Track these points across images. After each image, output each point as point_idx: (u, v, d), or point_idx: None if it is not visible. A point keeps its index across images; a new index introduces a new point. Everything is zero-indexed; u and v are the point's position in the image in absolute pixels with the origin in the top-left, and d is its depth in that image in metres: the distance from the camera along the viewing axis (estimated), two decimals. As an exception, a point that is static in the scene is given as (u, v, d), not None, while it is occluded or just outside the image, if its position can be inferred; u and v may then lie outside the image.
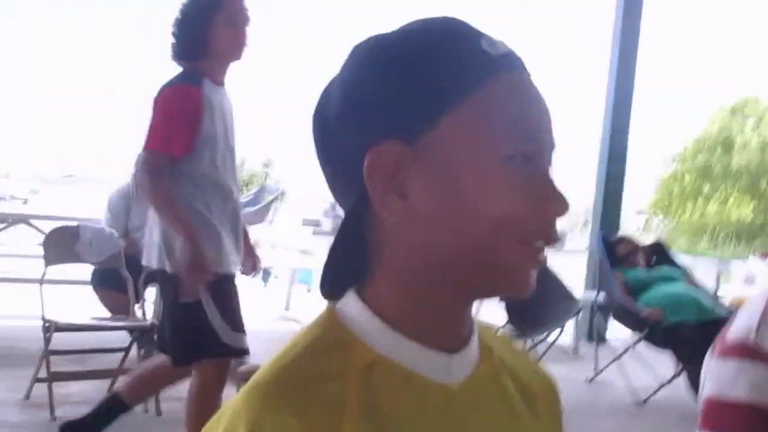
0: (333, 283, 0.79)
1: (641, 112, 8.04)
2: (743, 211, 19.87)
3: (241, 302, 3.09)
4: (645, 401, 5.43)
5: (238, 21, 2.87)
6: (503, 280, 0.74)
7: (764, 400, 1.02)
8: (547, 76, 0.77)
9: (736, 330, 1.10)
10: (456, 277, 0.74)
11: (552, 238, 0.74)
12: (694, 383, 5.16)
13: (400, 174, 0.72)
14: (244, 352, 2.98)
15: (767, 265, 7.74)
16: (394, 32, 0.77)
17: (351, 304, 0.78)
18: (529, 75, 0.76)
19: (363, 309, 0.77)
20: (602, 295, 6.05)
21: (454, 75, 0.72)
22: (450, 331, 0.78)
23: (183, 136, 2.80)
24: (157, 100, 2.84)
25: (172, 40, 2.90)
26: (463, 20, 0.77)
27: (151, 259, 2.94)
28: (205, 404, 2.88)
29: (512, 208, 0.71)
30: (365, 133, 0.73)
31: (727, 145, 20.60)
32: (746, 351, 1.06)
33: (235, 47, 2.89)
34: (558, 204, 0.73)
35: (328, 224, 6.73)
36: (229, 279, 2.96)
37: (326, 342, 0.75)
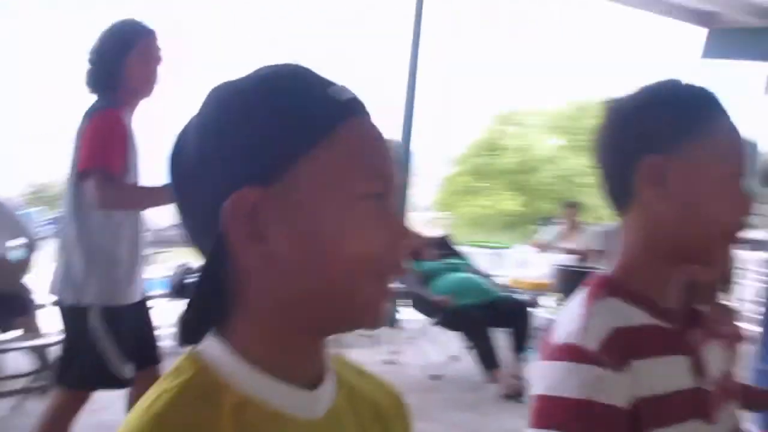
0: (194, 329, 0.75)
1: (428, 122, 8.39)
2: (512, 204, 21.19)
3: (150, 329, 2.96)
4: (439, 376, 5.68)
5: (150, 60, 2.80)
6: (360, 316, 0.73)
7: (593, 396, 1.03)
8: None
9: (561, 334, 1.10)
10: (316, 316, 0.73)
11: (402, 270, 0.74)
12: (482, 356, 5.49)
13: (259, 218, 0.70)
14: (128, 383, 2.82)
15: (537, 252, 8.28)
16: (247, 78, 0.75)
17: (214, 348, 0.74)
18: (371, 117, 0.76)
19: (226, 352, 0.73)
20: (400, 286, 6.26)
21: (306, 121, 0.71)
22: (310, 367, 0.77)
23: (118, 157, 2.69)
24: (88, 125, 2.70)
25: (88, 66, 2.79)
26: (309, 68, 0.76)
27: (55, 289, 2.79)
28: (53, 429, 2.73)
29: (368, 245, 0.71)
30: (223, 179, 0.70)
31: (496, 148, 21.93)
32: (573, 353, 1.07)
33: (145, 84, 2.82)
34: (408, 238, 0.74)
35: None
36: (126, 309, 2.80)
37: (194, 388, 0.71)
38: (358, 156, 0.72)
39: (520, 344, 5.81)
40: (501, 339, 5.70)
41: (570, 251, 7.88)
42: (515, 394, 5.44)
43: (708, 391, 1.14)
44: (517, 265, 8.15)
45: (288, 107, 0.71)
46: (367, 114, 0.75)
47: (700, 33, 9.38)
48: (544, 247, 8.25)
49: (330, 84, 0.74)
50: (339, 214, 0.70)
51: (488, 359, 5.46)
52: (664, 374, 1.08)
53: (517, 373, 5.65)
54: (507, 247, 8.83)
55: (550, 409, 1.05)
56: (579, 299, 1.14)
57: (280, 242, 0.70)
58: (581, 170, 21.43)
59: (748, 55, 9.78)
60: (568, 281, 7.02)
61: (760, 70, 9.47)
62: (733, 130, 1.14)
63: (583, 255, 7.82)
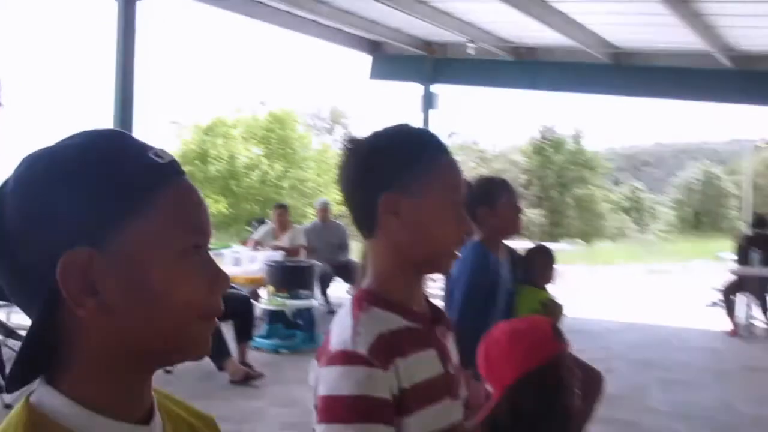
0: (23, 377, 0.72)
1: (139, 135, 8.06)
2: (221, 207, 21.08)
3: None
4: (170, 371, 5.59)
5: None
6: (189, 351, 0.75)
7: (366, 392, 1.13)
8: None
9: (335, 342, 1.18)
10: (149, 358, 0.74)
11: (221, 310, 0.76)
12: (212, 348, 5.51)
13: (92, 274, 0.69)
14: None
15: (251, 250, 8.39)
16: (65, 144, 0.73)
17: (48, 396, 0.71)
18: (186, 176, 0.76)
19: (62, 398, 0.71)
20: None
21: (129, 184, 0.71)
22: (142, 403, 0.76)
23: None
24: None
25: None
26: (128, 133, 0.76)
27: None
28: None
29: (194, 292, 0.73)
30: (52, 240, 0.69)
31: (204, 157, 21.65)
32: (347, 358, 1.15)
33: None
34: (225, 282, 0.76)
35: None
36: None
37: None
38: (179, 214, 0.73)
39: (245, 334, 5.93)
40: (227, 331, 5.78)
41: (279, 248, 8.13)
42: (243, 379, 5.55)
43: (452, 374, 1.28)
44: (232, 263, 8.19)
45: (111, 172, 0.71)
46: (183, 173, 0.76)
47: (368, 58, 10.51)
48: (256, 246, 8.40)
49: (149, 148, 0.74)
50: (165, 267, 0.71)
51: (218, 350, 5.52)
52: (421, 366, 1.20)
53: (244, 360, 5.77)
54: (227, 247, 8.82)
55: (331, 407, 1.15)
56: (346, 310, 1.24)
57: (113, 294, 0.70)
58: (278, 175, 21.98)
59: (407, 77, 10.87)
60: (280, 275, 7.26)
61: (418, 90, 10.62)
62: (452, 166, 1.27)
63: (291, 251, 8.13)
